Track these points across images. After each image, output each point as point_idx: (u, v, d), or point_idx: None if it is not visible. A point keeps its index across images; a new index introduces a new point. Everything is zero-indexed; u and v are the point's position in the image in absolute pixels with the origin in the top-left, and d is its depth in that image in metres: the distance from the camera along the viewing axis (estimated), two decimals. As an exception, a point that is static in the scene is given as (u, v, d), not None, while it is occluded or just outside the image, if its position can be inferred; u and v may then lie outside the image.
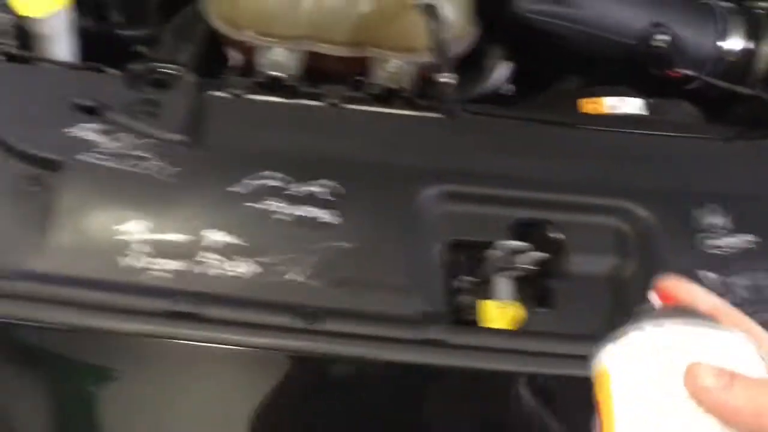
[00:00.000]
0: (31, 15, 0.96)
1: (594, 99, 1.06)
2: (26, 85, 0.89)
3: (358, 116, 0.96)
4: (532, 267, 0.85)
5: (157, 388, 0.78)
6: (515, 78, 1.15)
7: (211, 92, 0.95)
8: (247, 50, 1.00)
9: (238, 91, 0.96)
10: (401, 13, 0.97)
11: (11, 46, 0.96)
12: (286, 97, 0.97)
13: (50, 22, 0.98)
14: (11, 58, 0.96)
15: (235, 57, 1.07)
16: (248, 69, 1.01)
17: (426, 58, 1.00)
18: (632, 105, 1.07)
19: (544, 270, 0.85)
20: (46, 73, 0.93)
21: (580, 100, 1.06)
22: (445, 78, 0.95)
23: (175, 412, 0.79)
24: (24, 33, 0.98)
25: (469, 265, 0.86)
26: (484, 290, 0.84)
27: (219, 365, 0.78)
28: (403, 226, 0.84)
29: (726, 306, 0.50)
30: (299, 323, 0.74)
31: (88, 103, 0.86)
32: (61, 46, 1.03)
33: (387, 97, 0.99)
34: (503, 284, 0.85)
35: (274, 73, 0.98)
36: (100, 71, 1.00)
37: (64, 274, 0.77)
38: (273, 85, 0.97)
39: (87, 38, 1.06)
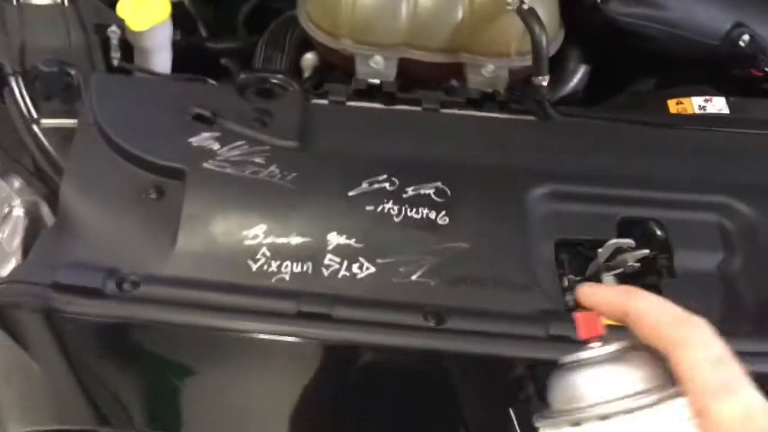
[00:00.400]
0: (137, 28, 0.99)
1: (681, 99, 1.08)
2: (144, 96, 0.92)
3: (456, 120, 0.98)
4: (638, 265, 0.87)
5: (289, 385, 0.81)
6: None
7: (314, 100, 0.98)
8: (344, 58, 1.02)
9: (338, 99, 0.99)
10: (496, 19, 0.99)
11: (116, 59, 1.00)
12: (385, 104, 1.00)
13: (153, 35, 1.02)
14: (116, 69, 0.99)
15: (308, 64, 1.11)
16: (345, 76, 1.04)
17: (519, 62, 1.02)
18: (718, 104, 1.08)
19: (650, 268, 0.87)
20: (161, 84, 0.96)
21: (667, 100, 1.08)
22: (541, 80, 0.98)
23: (303, 409, 0.82)
24: (128, 46, 1.01)
25: (576, 263, 0.88)
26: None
27: (346, 364, 0.80)
28: (513, 226, 0.86)
29: (635, 297, 0.49)
30: (430, 322, 0.76)
31: (206, 112, 0.89)
32: (161, 59, 1.06)
33: (482, 101, 1.01)
34: (611, 282, 0.87)
35: (373, 81, 1.00)
36: (205, 83, 1.03)
37: (195, 278, 0.80)
38: (372, 92, 1.00)
39: (175, 51, 1.09)
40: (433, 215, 0.85)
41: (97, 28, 0.98)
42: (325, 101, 0.99)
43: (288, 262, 0.81)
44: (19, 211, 0.87)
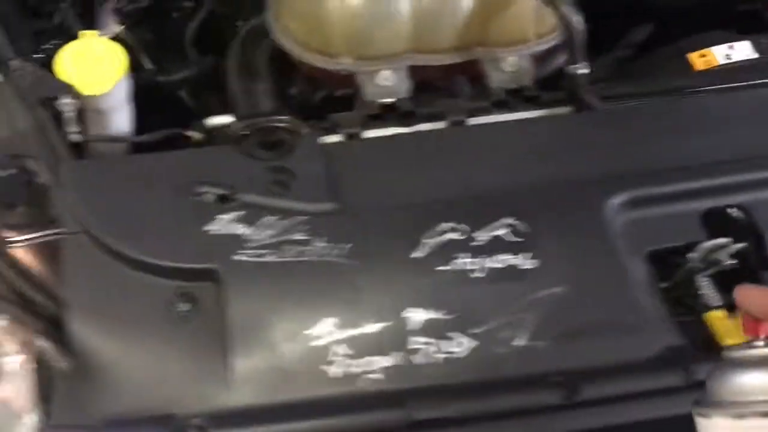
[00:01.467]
0: (96, 92, 0.80)
1: (703, 51, 0.98)
2: (131, 181, 0.74)
3: (492, 132, 0.85)
4: (735, 262, 0.78)
5: None
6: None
7: (323, 138, 0.83)
8: (343, 79, 0.87)
9: (351, 131, 0.84)
10: (510, 2, 0.86)
11: (75, 133, 0.81)
12: (404, 125, 0.86)
13: (113, 95, 0.83)
14: (77, 146, 0.80)
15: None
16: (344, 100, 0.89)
17: (539, 46, 0.90)
18: (742, 49, 0.99)
19: (750, 262, 0.79)
20: (145, 161, 0.78)
21: (688, 56, 0.98)
22: (579, 69, 0.86)
23: None
24: (84, 114, 0.82)
25: (669, 273, 0.78)
26: (693, 298, 0.77)
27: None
28: (601, 252, 0.75)
29: None
30: (561, 396, 0.65)
31: (218, 190, 0.73)
32: (122, 117, 0.88)
33: (509, 100, 0.88)
34: (707, 284, 0.78)
35: (385, 101, 0.85)
36: (184, 136, 0.86)
37: (268, 404, 0.65)
38: (386, 115, 0.86)
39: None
40: (516, 260, 0.73)
41: (45, 103, 0.78)
42: (336, 137, 0.84)
43: (369, 358, 0.67)
44: (15, 361, 0.69)
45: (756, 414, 0.46)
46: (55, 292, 0.71)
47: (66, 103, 0.77)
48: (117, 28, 0.92)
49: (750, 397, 0.47)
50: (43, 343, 0.70)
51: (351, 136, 0.84)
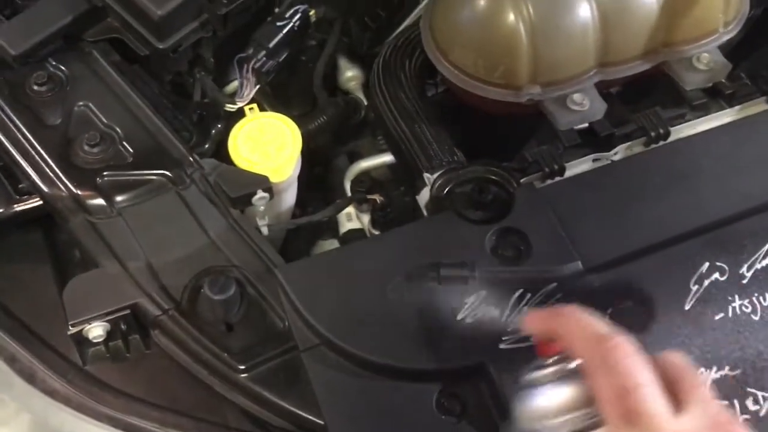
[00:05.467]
0: (283, 177, 0.72)
1: None
2: (353, 276, 0.66)
3: (706, 144, 0.76)
4: None
5: None
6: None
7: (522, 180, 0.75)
8: (523, 108, 0.78)
9: (553, 166, 0.76)
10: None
11: (264, 225, 0.73)
12: (603, 149, 0.78)
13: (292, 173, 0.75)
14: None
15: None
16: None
17: (726, 35, 0.81)
18: None
19: None
20: (353, 252, 0.70)
21: None
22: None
23: None
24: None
25: None
26: None
27: None
28: None
29: (561, 316, 0.51)
30: None
31: (458, 272, 0.65)
32: (292, 192, 0.80)
33: (707, 102, 0.81)
34: None
35: (580, 127, 0.77)
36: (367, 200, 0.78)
37: None
38: (583, 143, 0.78)
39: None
40: (796, 294, 0.66)
41: (235, 202, 0.70)
42: (536, 178, 0.76)
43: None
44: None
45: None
46: (299, 416, 0.64)
47: (261, 198, 0.69)
48: (254, 89, 0.83)
49: (543, 420, 0.49)
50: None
51: (552, 174, 0.76)
